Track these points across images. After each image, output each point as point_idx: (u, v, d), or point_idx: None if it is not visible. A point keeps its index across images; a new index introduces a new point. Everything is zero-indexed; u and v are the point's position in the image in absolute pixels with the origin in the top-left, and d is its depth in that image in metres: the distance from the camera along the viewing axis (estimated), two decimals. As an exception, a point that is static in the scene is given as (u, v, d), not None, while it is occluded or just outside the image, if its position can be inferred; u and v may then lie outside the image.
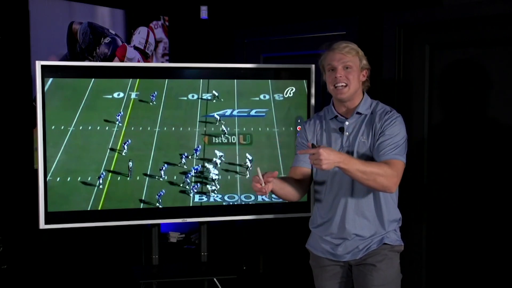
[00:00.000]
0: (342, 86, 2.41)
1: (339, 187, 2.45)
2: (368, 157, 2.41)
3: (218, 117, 3.31)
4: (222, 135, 3.30)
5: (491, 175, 3.17)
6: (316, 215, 2.58)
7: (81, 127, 3.15)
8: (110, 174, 3.17)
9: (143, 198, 3.21)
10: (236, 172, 3.31)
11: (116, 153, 3.19)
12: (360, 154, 2.42)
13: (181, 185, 3.25)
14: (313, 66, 3.32)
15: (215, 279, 3.24)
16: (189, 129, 3.28)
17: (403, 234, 2.57)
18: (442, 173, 3.32)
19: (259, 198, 3.31)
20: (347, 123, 2.47)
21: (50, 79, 3.09)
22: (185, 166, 3.26)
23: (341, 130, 2.48)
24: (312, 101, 3.32)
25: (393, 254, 2.46)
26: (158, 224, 3.40)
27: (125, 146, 3.19)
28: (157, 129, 3.25)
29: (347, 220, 2.44)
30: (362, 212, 2.43)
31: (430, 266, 3.42)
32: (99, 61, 3.79)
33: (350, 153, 2.43)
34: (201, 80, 3.31)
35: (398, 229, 2.52)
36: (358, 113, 2.47)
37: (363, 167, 2.23)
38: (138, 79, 3.24)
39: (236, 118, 3.32)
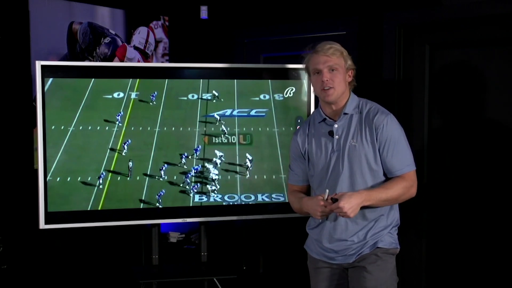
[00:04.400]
0: (328, 88, 2.41)
1: (331, 191, 2.42)
2: (360, 161, 2.40)
3: (218, 117, 3.30)
4: (222, 135, 3.30)
5: (491, 175, 3.17)
6: (311, 217, 2.59)
7: (81, 127, 3.15)
8: (110, 174, 3.17)
9: (143, 198, 3.21)
10: (236, 172, 3.31)
11: (116, 153, 3.19)
12: (350, 158, 2.41)
13: (181, 185, 3.25)
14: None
15: (215, 279, 3.24)
16: (189, 129, 3.28)
17: (402, 235, 2.57)
18: (442, 173, 3.32)
19: (259, 198, 3.31)
20: (336, 125, 2.46)
21: (50, 79, 3.09)
22: (185, 166, 3.26)
23: (331, 134, 2.47)
24: (312, 101, 3.32)
25: (387, 256, 2.44)
26: (158, 224, 3.40)
27: (125, 146, 3.19)
28: (157, 129, 3.25)
29: (339, 224, 2.44)
30: (354, 217, 2.39)
31: (430, 267, 3.42)
32: (99, 61, 3.78)
33: (340, 156, 2.42)
34: (201, 80, 3.31)
35: (395, 232, 2.50)
36: (345, 113, 2.46)
37: (385, 195, 2.35)
38: (138, 79, 3.23)
39: (236, 118, 3.32)
